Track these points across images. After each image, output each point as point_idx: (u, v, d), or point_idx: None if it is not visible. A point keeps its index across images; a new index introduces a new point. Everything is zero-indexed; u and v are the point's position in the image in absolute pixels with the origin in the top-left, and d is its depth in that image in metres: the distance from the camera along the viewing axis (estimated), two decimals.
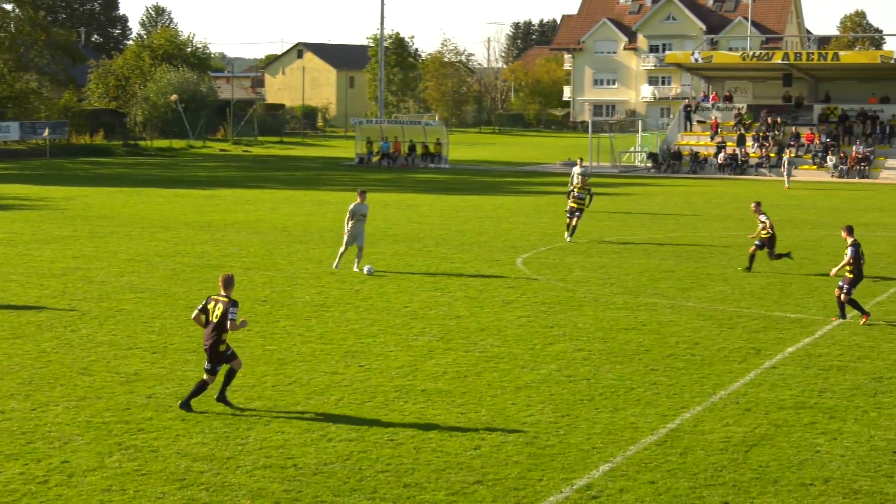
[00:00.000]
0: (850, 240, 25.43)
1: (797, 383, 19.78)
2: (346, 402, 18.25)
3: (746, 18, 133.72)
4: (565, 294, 28.47)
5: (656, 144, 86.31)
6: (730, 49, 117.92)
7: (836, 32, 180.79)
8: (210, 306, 17.76)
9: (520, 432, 16.70)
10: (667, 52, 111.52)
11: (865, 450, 16.09)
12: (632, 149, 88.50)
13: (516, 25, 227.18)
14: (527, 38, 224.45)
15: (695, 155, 79.80)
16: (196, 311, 18.00)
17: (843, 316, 25.41)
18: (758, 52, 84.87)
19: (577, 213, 38.86)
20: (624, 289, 29.47)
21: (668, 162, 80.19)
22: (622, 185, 66.57)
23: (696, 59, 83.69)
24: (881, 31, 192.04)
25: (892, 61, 77.93)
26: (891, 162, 76.92)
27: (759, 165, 78.15)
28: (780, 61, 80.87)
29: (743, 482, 14.74)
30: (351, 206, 31.75)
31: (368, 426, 16.90)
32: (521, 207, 51.58)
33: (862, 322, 24.99)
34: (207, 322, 17.67)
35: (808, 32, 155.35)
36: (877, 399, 18.81)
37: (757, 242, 32.84)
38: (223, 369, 17.91)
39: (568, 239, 38.47)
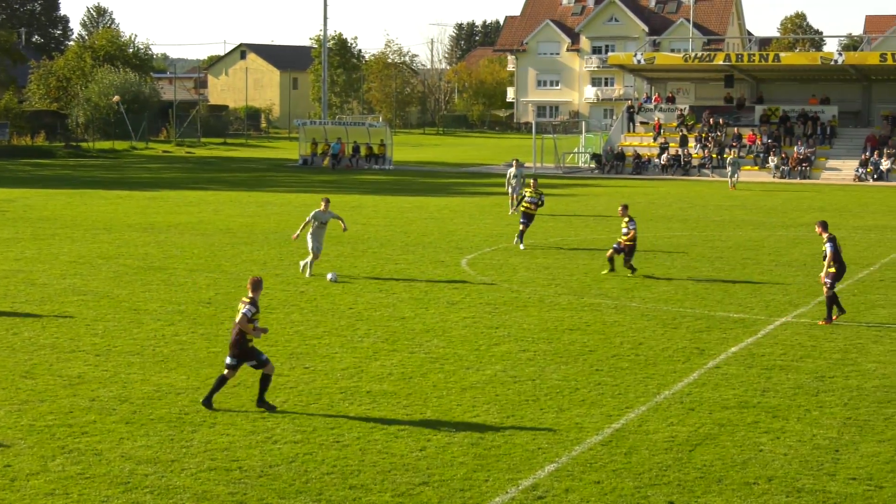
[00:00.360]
0: (825, 235, 25.32)
1: (740, 383, 19.92)
2: (291, 403, 18.20)
3: (688, 20, 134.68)
4: (510, 295, 28.53)
5: (600, 145, 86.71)
6: (672, 50, 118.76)
7: (777, 34, 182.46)
8: (238, 307, 17.94)
9: (465, 433, 16.71)
10: (609, 54, 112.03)
11: (808, 448, 16.23)
12: (575, 150, 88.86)
13: (459, 27, 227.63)
14: (470, 39, 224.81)
15: (638, 156, 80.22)
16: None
17: (840, 310, 25.41)
18: (700, 54, 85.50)
19: (524, 220, 37.52)
20: (568, 289, 29.57)
21: (612, 163, 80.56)
22: (566, 185, 66.80)
23: (639, 61, 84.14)
24: (821, 33, 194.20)
25: (832, 62, 78.68)
26: (831, 162, 77.70)
27: (701, 166, 78.69)
28: (721, 62, 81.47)
29: (687, 481, 14.82)
30: (313, 212, 31.32)
31: (314, 428, 16.86)
32: (465, 208, 51.63)
33: (820, 322, 25.13)
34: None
35: (750, 34, 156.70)
36: (819, 398, 18.97)
37: (615, 246, 31.93)
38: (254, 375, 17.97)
39: (522, 246, 37.14)
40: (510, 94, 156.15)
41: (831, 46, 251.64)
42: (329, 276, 30.44)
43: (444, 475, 14.93)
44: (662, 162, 79.48)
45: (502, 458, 15.65)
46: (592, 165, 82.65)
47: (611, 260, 32.03)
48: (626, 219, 31.68)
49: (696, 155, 79.61)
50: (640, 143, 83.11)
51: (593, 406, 18.32)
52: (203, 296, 27.84)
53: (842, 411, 18.16)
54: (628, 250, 31.62)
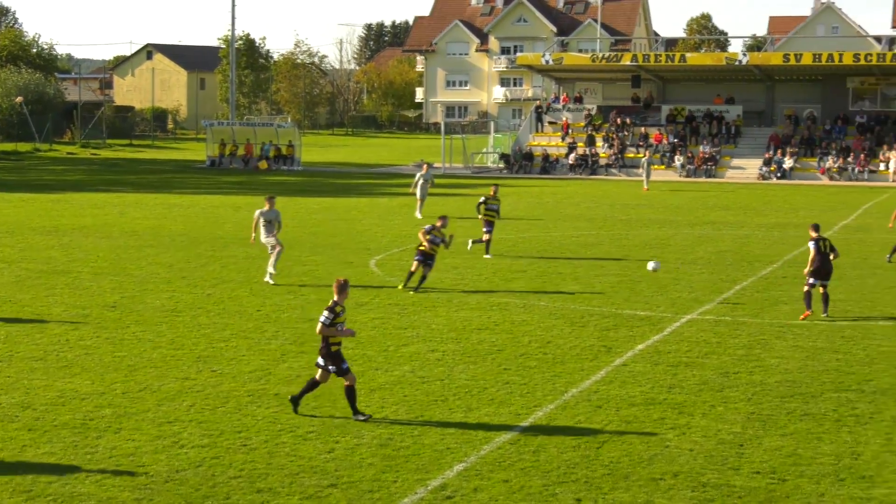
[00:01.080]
0: (813, 235, 26.07)
1: (647, 380, 20.09)
2: (199, 407, 18.03)
3: (596, 20, 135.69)
4: (418, 295, 28.49)
5: (508, 145, 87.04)
6: (580, 51, 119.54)
7: (683, 35, 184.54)
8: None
9: (374, 434, 16.67)
10: (518, 54, 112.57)
11: (713, 443, 16.40)
12: (484, 150, 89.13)
13: (368, 27, 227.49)
14: (379, 39, 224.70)
15: (546, 156, 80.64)
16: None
17: (808, 307, 26.03)
18: (607, 54, 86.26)
19: (488, 229, 35.86)
20: (477, 289, 29.62)
21: (520, 163, 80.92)
22: (474, 185, 66.90)
23: (547, 61, 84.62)
24: (726, 34, 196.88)
25: (737, 63, 79.72)
26: (736, 161, 78.70)
27: (608, 166, 79.30)
28: (628, 63, 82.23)
29: (595, 478, 14.91)
30: (257, 213, 30.76)
31: (221, 432, 16.71)
32: (374, 209, 51.57)
33: (801, 318, 25.75)
34: None
35: (656, 34, 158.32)
36: (724, 394, 19.19)
37: (418, 258, 29.26)
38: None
39: (488, 256, 35.52)
40: (419, 94, 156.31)
41: (736, 47, 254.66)
42: (651, 265, 29.32)
43: (352, 477, 14.89)
44: (570, 161, 80.00)
45: (411, 458, 15.64)
46: (501, 165, 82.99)
47: (412, 276, 29.33)
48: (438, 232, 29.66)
49: (603, 154, 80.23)
50: (548, 142, 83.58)
51: (502, 405, 18.37)
52: (108, 300, 27.50)
53: (746, 406, 18.39)
54: (431, 264, 29.41)
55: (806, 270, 26.06)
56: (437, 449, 16.04)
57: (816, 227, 26.44)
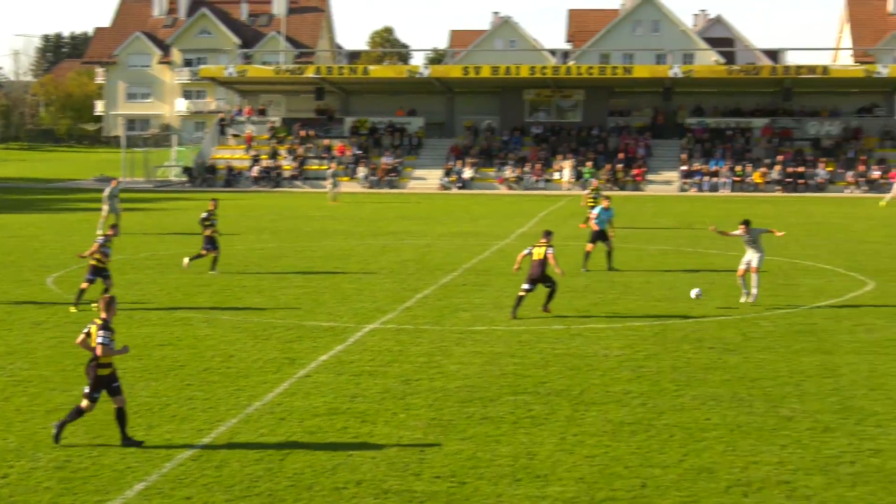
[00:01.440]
0: (541, 241, 27.54)
1: (330, 390, 20.20)
2: None
3: (280, 33, 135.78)
4: (95, 313, 27.74)
5: (191, 158, 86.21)
6: (264, 63, 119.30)
7: (367, 47, 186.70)
8: (91, 329, 16.70)
9: (51, 457, 16.17)
10: (201, 66, 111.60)
11: (395, 451, 16.62)
12: (166, 163, 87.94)
13: (46, 38, 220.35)
14: (58, 50, 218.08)
15: (230, 168, 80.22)
16: (81, 335, 16.90)
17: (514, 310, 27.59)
18: (291, 67, 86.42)
19: (210, 243, 34.93)
20: (159, 304, 29.15)
21: (203, 176, 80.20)
22: (156, 200, 65.99)
23: (231, 73, 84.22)
24: (408, 47, 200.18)
25: (418, 75, 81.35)
26: (418, 172, 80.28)
27: (293, 178, 79.48)
28: (312, 75, 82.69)
29: (278, 490, 14.89)
30: None
31: None
32: (51, 225, 50.07)
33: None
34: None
35: (339, 47, 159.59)
36: (406, 401, 19.48)
37: (88, 277, 28.35)
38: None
39: (187, 261, 35.11)
40: (99, 107, 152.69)
41: (418, 60, 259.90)
42: (693, 292, 28.41)
43: (28, 502, 14.40)
44: (254, 174, 79.81)
45: (90, 479, 15.25)
46: (184, 179, 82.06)
47: (83, 293, 28.29)
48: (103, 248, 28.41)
49: (286, 167, 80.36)
50: (231, 155, 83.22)
51: (184, 421, 18.12)
52: None
53: (427, 412, 18.72)
54: (102, 275, 28.33)
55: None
56: (116, 469, 15.69)
57: (547, 234, 27.84)
